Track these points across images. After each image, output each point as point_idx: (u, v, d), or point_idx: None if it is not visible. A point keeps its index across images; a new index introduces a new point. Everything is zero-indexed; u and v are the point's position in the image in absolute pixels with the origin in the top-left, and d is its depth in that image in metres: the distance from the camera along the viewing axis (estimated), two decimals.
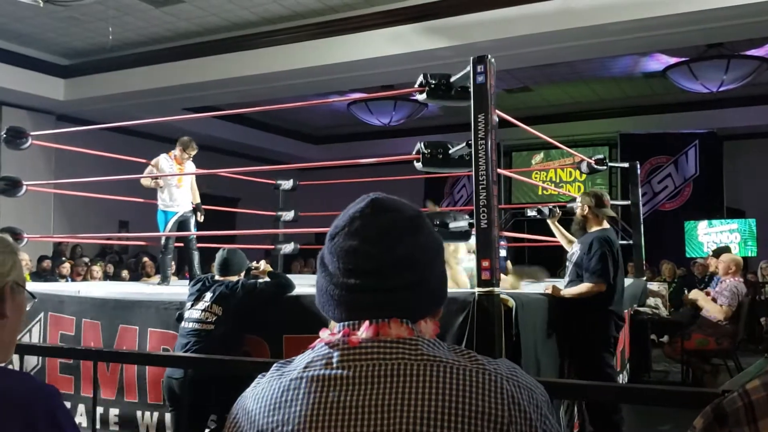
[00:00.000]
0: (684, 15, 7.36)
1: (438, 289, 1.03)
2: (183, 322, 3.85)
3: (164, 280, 6.34)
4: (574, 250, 4.62)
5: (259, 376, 1.03)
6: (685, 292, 7.35)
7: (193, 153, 6.44)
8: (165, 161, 6.34)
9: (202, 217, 6.54)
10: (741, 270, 6.67)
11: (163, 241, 6.37)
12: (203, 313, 3.80)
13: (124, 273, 9.56)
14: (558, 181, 13.96)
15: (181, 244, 6.51)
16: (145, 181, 6.29)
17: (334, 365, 0.94)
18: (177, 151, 6.38)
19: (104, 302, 4.55)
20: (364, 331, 0.96)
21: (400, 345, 0.94)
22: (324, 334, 1.00)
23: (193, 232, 6.34)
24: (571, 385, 2.27)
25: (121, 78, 10.40)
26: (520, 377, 0.95)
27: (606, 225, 4.51)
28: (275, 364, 1.02)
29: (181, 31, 9.59)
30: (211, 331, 3.74)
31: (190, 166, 6.49)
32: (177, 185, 6.31)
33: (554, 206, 5.13)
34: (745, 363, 6.38)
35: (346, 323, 0.98)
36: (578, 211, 4.63)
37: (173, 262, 6.88)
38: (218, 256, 4.16)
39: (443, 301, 1.05)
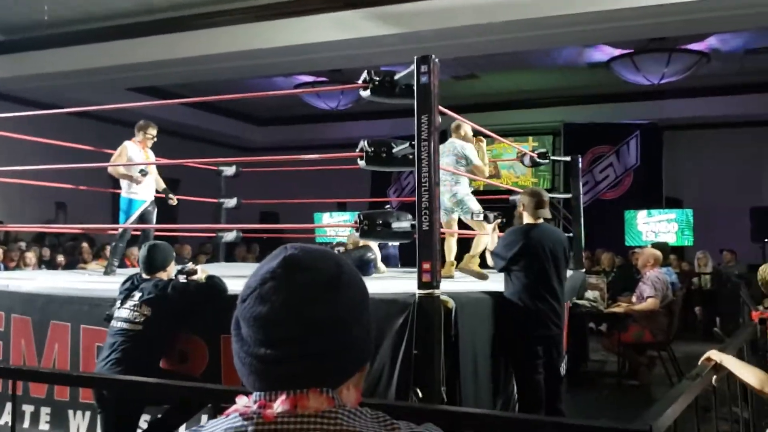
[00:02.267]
0: (627, 10, 7.47)
1: (361, 349, 0.96)
2: (112, 321, 3.74)
3: (110, 268, 6.11)
4: None
5: None
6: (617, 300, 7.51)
7: (154, 133, 6.21)
8: (132, 148, 6.04)
9: (175, 200, 6.33)
10: (660, 263, 6.87)
11: (121, 229, 6.12)
12: (132, 313, 3.70)
13: (60, 258, 9.26)
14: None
15: (138, 233, 6.31)
16: (118, 170, 5.96)
17: None
18: (140, 137, 6.13)
19: (35, 297, 4.40)
20: (280, 404, 0.90)
21: (317, 420, 0.89)
22: (240, 401, 0.95)
23: (153, 224, 6.10)
24: (478, 415, 2.28)
25: (59, 56, 10.02)
26: None
27: (540, 221, 4.52)
28: (187, 430, 0.97)
29: (121, 10, 9.28)
30: (139, 331, 3.64)
31: (151, 153, 6.25)
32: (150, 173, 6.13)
33: (498, 214, 5.17)
34: (679, 352, 6.58)
35: (262, 394, 0.92)
36: (518, 208, 4.71)
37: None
38: (140, 253, 4.04)
39: (368, 359, 0.99)
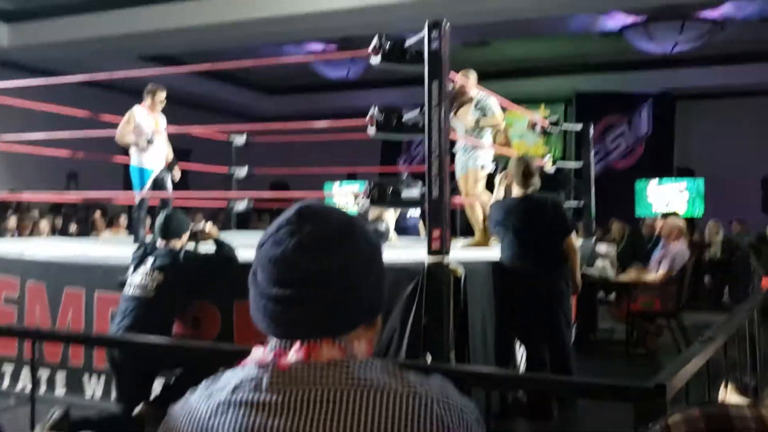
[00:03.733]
0: None
1: (371, 300, 1.00)
2: (125, 287, 3.79)
3: (137, 239, 6.06)
4: None
5: (189, 391, 1.01)
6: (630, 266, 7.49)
7: (163, 97, 6.03)
8: (140, 113, 5.89)
9: (179, 173, 6.20)
10: (684, 234, 6.82)
11: (137, 199, 6.01)
12: (144, 279, 3.74)
13: (73, 228, 9.34)
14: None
15: (157, 203, 6.23)
16: (128, 138, 5.81)
17: (263, 389, 0.93)
18: (148, 101, 5.97)
19: (49, 264, 4.46)
20: (294, 353, 0.94)
21: (331, 369, 0.93)
22: (257, 351, 0.98)
23: (169, 191, 6.03)
24: (501, 377, 2.31)
25: (70, 24, 10.01)
26: (450, 398, 0.95)
27: (527, 192, 4.47)
28: (204, 381, 1.00)
29: None
30: (151, 298, 3.69)
31: (162, 117, 6.11)
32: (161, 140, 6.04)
33: (501, 165, 5.11)
34: (688, 320, 6.59)
35: (278, 343, 0.96)
36: (505, 179, 4.68)
37: (147, 220, 6.56)
38: (158, 219, 4.07)
39: (378, 311, 1.03)
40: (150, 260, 3.81)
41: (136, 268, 3.83)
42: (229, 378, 0.97)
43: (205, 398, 0.96)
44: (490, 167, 5.48)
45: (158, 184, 5.94)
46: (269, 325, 0.96)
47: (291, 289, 0.94)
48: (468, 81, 5.46)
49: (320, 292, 0.94)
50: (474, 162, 5.42)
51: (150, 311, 3.64)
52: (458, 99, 5.52)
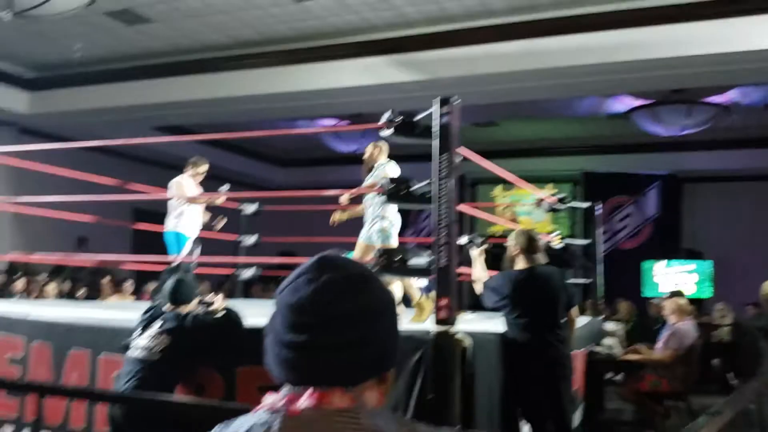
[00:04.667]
0: (649, 61, 7.55)
1: (384, 352, 1.01)
2: (130, 349, 3.78)
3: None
4: None
5: None
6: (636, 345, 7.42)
7: (205, 169, 6.38)
8: (189, 183, 6.27)
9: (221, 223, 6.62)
10: (687, 312, 6.78)
11: (176, 264, 6.14)
12: (150, 342, 3.73)
13: (80, 292, 9.36)
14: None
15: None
16: (200, 198, 6.25)
17: None
18: (190, 171, 6.32)
19: (55, 325, 4.46)
20: (306, 399, 0.95)
21: (341, 416, 0.94)
22: (268, 398, 0.99)
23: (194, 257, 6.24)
24: None
25: (88, 94, 10.28)
26: None
27: (533, 264, 4.45)
28: (216, 426, 1.01)
29: (151, 50, 9.54)
30: (156, 360, 3.67)
31: (201, 188, 6.43)
32: (201, 211, 6.27)
33: (485, 239, 5.02)
34: (696, 404, 6.47)
35: (291, 389, 0.97)
36: (509, 250, 4.62)
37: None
38: (166, 285, 4.09)
39: (391, 365, 1.03)
40: (157, 323, 3.81)
41: (142, 331, 3.83)
42: (241, 423, 0.98)
43: None
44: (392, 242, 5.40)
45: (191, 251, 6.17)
46: (282, 371, 0.98)
47: (305, 335, 0.95)
48: (379, 149, 5.63)
49: (334, 338, 0.96)
50: (368, 234, 5.41)
51: (154, 374, 3.62)
52: (366, 166, 5.68)
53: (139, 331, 3.84)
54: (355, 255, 5.41)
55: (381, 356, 1.01)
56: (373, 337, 0.99)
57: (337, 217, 5.94)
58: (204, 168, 6.36)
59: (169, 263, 6.15)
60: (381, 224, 5.35)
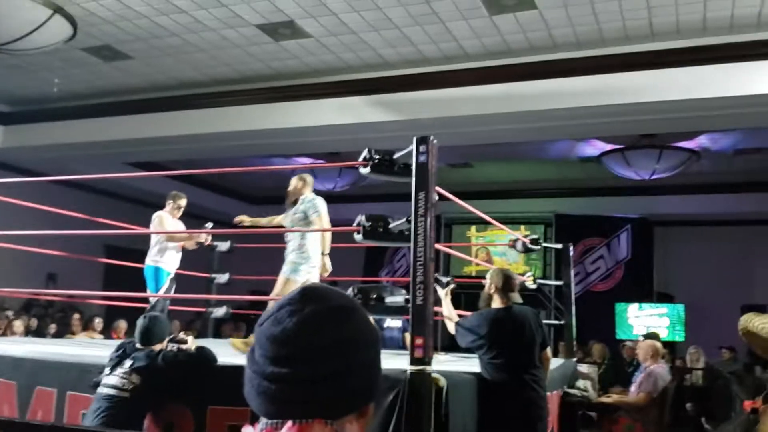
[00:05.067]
0: (620, 106, 7.71)
1: (365, 385, 1.00)
2: (99, 387, 3.71)
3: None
4: None
5: None
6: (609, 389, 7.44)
7: (184, 203, 6.42)
8: (168, 219, 6.28)
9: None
10: (661, 355, 6.81)
11: (153, 300, 6.10)
12: (120, 380, 3.67)
13: (48, 329, 9.18)
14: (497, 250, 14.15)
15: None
16: (179, 236, 6.25)
17: None
18: (169, 206, 6.35)
19: (22, 362, 4.35)
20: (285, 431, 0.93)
21: None
22: (246, 430, 0.97)
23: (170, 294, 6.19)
24: None
25: (64, 129, 10.21)
26: None
27: (509, 305, 4.46)
28: None
29: (127, 87, 9.54)
30: (125, 399, 3.60)
31: (180, 222, 6.42)
32: (177, 247, 6.23)
33: (451, 279, 5.01)
34: None
35: (269, 423, 0.95)
36: (485, 288, 4.61)
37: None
38: (139, 323, 4.02)
39: (372, 398, 1.02)
40: (128, 362, 3.75)
41: (113, 369, 3.75)
42: None
43: None
44: (298, 278, 5.40)
45: (168, 286, 6.16)
46: (262, 404, 0.96)
47: (286, 367, 0.94)
48: (303, 182, 5.70)
49: (316, 370, 0.94)
50: (289, 269, 5.40)
51: (123, 411, 3.55)
52: (290, 198, 5.73)
53: (108, 369, 3.77)
54: (275, 289, 5.38)
55: (362, 388, 1.00)
56: (355, 369, 0.98)
57: (238, 219, 6.06)
58: (183, 202, 6.40)
59: (140, 300, 6.09)
60: (292, 257, 5.39)
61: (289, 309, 0.97)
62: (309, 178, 5.74)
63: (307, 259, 5.41)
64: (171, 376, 3.75)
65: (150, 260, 6.19)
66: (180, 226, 6.39)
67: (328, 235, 5.74)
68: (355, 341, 0.98)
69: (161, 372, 3.72)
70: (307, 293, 1.00)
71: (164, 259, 6.16)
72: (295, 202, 5.65)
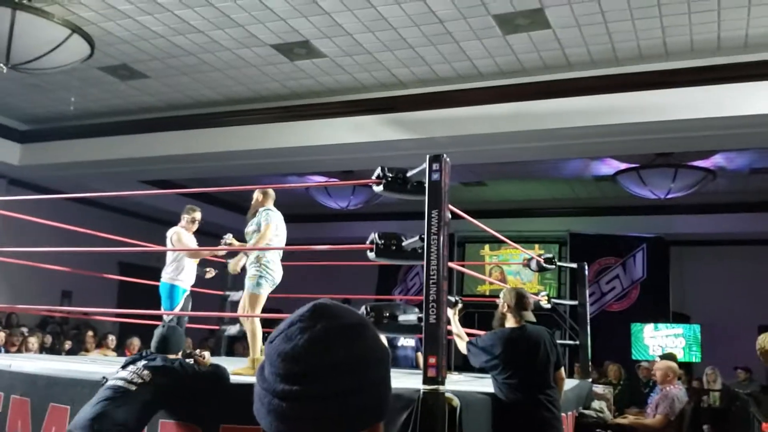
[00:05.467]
0: (634, 125, 7.69)
1: (376, 402, 0.99)
2: (108, 380, 3.66)
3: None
4: None
5: None
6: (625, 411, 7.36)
7: (200, 217, 6.37)
8: (185, 234, 6.26)
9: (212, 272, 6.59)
10: (678, 376, 6.74)
11: (167, 317, 6.06)
12: (131, 374, 3.59)
13: (62, 346, 9.22)
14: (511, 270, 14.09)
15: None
16: (201, 253, 6.28)
17: None
18: (185, 221, 6.31)
19: (36, 378, 4.36)
20: None
21: None
22: None
23: (188, 312, 6.18)
24: None
25: (80, 147, 10.32)
26: None
27: (522, 324, 4.43)
28: None
29: (143, 105, 9.64)
30: (130, 392, 3.49)
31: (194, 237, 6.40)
32: (193, 261, 6.21)
33: (458, 298, 4.94)
34: None
35: None
36: (499, 308, 4.60)
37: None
38: (156, 332, 4.01)
39: (383, 415, 1.01)
40: (142, 362, 3.72)
41: (125, 366, 3.73)
42: None
43: None
44: (261, 291, 5.39)
45: (182, 307, 6.11)
46: (272, 422, 0.95)
47: (298, 385, 0.93)
48: (264, 195, 5.67)
49: (327, 388, 0.93)
50: (251, 284, 5.38)
51: (123, 404, 3.42)
52: (252, 210, 5.71)
53: (121, 367, 3.75)
54: (240, 305, 5.39)
55: (373, 406, 0.99)
56: (366, 387, 0.97)
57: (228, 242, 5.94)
58: (198, 215, 6.37)
59: (154, 317, 6.09)
60: (251, 271, 5.38)
61: (300, 326, 0.97)
62: (270, 191, 5.71)
63: (266, 271, 5.38)
64: (183, 383, 3.70)
65: (166, 277, 6.16)
66: (194, 241, 6.38)
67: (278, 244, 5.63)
68: (366, 359, 0.98)
69: (174, 375, 3.66)
70: (318, 310, 0.99)
71: (181, 277, 6.12)
72: (255, 215, 5.66)
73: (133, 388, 3.52)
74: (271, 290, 5.64)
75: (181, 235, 6.19)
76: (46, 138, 10.53)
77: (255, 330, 5.34)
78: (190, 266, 6.19)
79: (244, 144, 9.49)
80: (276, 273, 5.48)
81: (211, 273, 6.52)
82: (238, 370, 5.08)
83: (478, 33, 7.06)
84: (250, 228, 5.60)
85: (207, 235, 14.93)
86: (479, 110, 8.17)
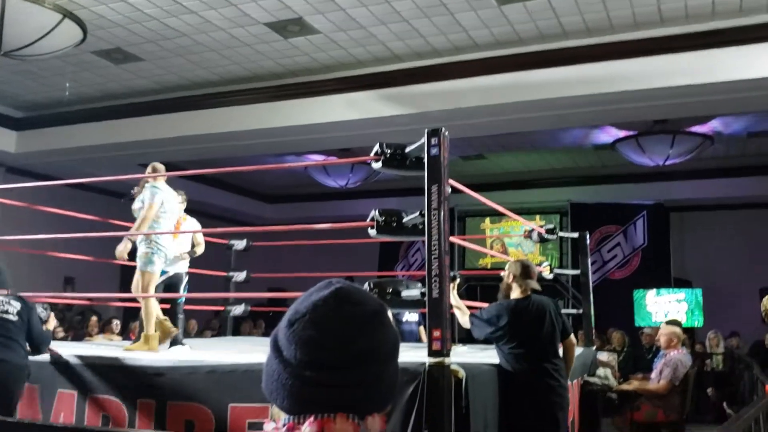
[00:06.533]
0: (632, 92, 7.65)
1: (392, 386, 1.02)
2: None
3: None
4: None
5: None
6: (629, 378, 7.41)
7: (179, 200, 6.10)
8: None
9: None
10: (682, 341, 6.77)
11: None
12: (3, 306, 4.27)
13: (66, 332, 9.25)
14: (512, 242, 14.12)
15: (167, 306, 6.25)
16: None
17: None
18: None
19: (43, 365, 4.39)
20: (308, 427, 0.93)
21: None
22: (268, 426, 0.97)
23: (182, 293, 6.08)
24: None
25: (76, 132, 10.29)
26: None
27: (528, 294, 4.45)
28: None
29: (138, 88, 9.59)
30: (13, 321, 4.23)
31: (188, 223, 6.27)
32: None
33: (456, 272, 4.92)
34: None
35: (292, 417, 0.95)
36: (504, 279, 4.62)
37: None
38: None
39: (394, 397, 1.04)
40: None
41: None
42: None
43: None
44: (154, 269, 5.38)
45: (172, 286, 6.05)
46: (285, 399, 0.96)
47: (323, 371, 0.94)
48: (152, 169, 5.70)
49: (350, 376, 0.95)
50: (142, 262, 5.36)
51: (12, 330, 4.21)
52: (140, 186, 5.72)
53: None
54: (134, 284, 5.40)
55: (388, 392, 1.01)
56: (384, 371, 0.99)
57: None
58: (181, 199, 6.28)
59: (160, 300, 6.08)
60: (142, 248, 5.36)
61: (325, 312, 0.97)
62: (159, 166, 5.69)
63: (158, 248, 5.36)
64: (25, 319, 4.32)
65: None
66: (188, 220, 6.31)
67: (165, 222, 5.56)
68: (388, 346, 1.00)
69: (26, 312, 4.35)
70: (341, 296, 0.99)
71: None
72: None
73: (14, 318, 4.24)
74: (166, 266, 5.67)
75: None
76: (42, 125, 10.49)
77: (150, 308, 5.31)
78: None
79: (241, 124, 9.45)
80: (168, 248, 5.47)
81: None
82: (131, 347, 5.22)
83: (472, 4, 7.00)
84: (136, 205, 5.56)
85: (210, 217, 14.97)
86: (476, 82, 8.12)
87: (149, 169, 5.71)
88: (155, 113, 9.79)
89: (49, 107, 10.28)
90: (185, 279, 6.11)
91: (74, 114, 10.17)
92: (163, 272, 5.89)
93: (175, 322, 5.84)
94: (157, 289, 5.73)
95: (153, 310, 5.32)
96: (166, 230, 5.45)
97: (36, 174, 11.30)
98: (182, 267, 6.04)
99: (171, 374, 3.97)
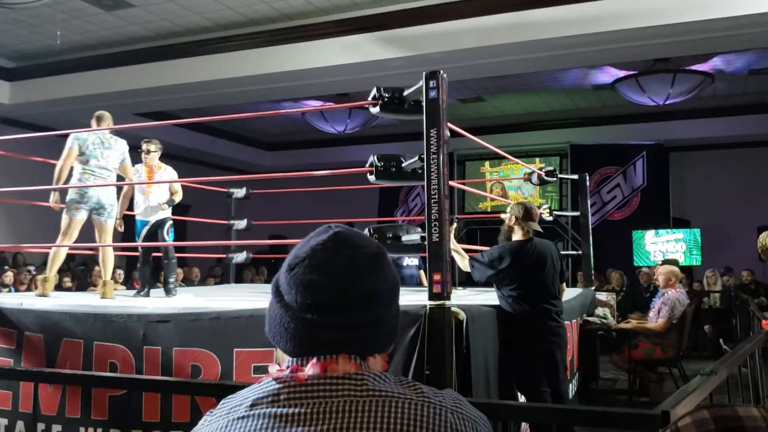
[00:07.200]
0: (631, 31, 7.54)
1: (392, 327, 1.03)
2: None
3: (141, 290, 6.07)
4: None
5: (207, 413, 1.01)
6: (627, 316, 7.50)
7: (153, 149, 6.18)
8: (140, 168, 6.18)
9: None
10: (680, 280, 6.83)
11: (140, 250, 6.15)
12: None
13: (70, 282, 9.32)
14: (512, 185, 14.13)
15: (159, 254, 6.23)
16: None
17: (281, 403, 0.93)
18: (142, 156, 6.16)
19: (48, 314, 4.43)
20: (311, 368, 0.95)
21: (346, 381, 0.94)
22: (272, 369, 0.99)
23: (167, 242, 6.06)
24: (514, 406, 2.30)
25: (69, 82, 10.17)
26: (465, 410, 0.96)
27: (530, 237, 4.48)
28: (222, 401, 1.01)
29: (131, 36, 9.44)
30: None
31: (165, 171, 6.21)
32: (144, 192, 6.13)
33: (453, 217, 4.91)
34: (689, 370, 6.54)
35: (295, 359, 0.97)
36: (505, 222, 4.63)
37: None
38: None
39: (395, 338, 1.05)
40: None
41: None
42: (246, 394, 0.98)
43: (224, 416, 0.96)
44: (75, 215, 5.52)
45: (154, 235, 6.06)
46: (289, 342, 0.97)
47: (325, 313, 0.95)
48: (96, 118, 5.75)
49: (352, 317, 0.96)
50: (66, 208, 5.52)
51: None
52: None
53: None
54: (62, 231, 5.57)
55: (389, 332, 1.03)
56: (385, 314, 1.00)
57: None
58: (151, 147, 6.23)
59: (158, 249, 6.13)
60: (68, 197, 5.55)
61: (324, 255, 0.97)
62: (103, 114, 5.78)
63: (82, 195, 5.50)
64: None
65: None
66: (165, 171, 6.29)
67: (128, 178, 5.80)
68: (388, 288, 1.00)
69: None
70: (340, 239, 0.99)
71: (140, 210, 6.08)
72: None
73: None
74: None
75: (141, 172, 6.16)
76: (35, 75, 10.36)
77: (107, 257, 5.64)
78: (148, 198, 6.06)
79: (236, 71, 9.34)
80: (93, 196, 5.55)
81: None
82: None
83: None
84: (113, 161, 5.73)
85: (207, 165, 14.90)
86: (473, 23, 7.99)
87: (99, 117, 5.80)
88: (149, 61, 9.67)
89: (42, 57, 10.13)
90: (167, 225, 6.09)
91: (67, 63, 10.04)
92: (144, 222, 5.97)
93: (166, 268, 6.01)
94: (141, 239, 5.86)
95: (110, 260, 5.67)
96: (98, 172, 5.59)
97: (31, 125, 11.22)
98: (162, 215, 6.04)
99: (176, 321, 4.02)
